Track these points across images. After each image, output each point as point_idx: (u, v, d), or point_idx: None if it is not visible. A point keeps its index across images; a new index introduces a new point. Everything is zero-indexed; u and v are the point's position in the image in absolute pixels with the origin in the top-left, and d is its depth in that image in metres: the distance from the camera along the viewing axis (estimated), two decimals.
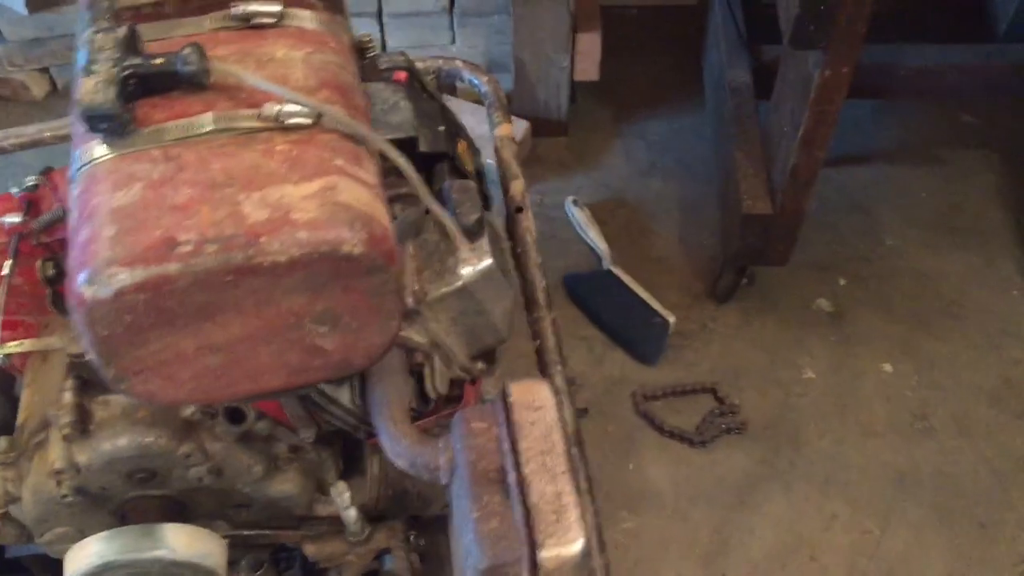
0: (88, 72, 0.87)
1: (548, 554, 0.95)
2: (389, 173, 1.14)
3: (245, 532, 1.31)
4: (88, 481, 1.16)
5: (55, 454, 1.14)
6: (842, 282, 2.32)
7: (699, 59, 2.64)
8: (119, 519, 1.24)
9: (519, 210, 1.45)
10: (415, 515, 1.42)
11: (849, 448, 2.06)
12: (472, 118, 2.22)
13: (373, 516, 1.37)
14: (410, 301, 1.15)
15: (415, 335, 1.18)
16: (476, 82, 1.60)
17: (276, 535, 1.33)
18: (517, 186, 1.47)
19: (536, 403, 1.07)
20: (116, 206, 0.84)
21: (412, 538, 1.42)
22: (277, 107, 0.88)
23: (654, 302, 2.24)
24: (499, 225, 1.28)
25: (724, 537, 1.95)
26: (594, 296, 2.31)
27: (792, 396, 2.14)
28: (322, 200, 0.84)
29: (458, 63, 1.61)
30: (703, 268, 2.35)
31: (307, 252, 0.83)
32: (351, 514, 1.23)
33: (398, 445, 1.11)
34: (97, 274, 0.81)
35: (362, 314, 0.92)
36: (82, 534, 1.24)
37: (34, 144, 1.59)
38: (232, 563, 1.36)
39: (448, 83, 1.64)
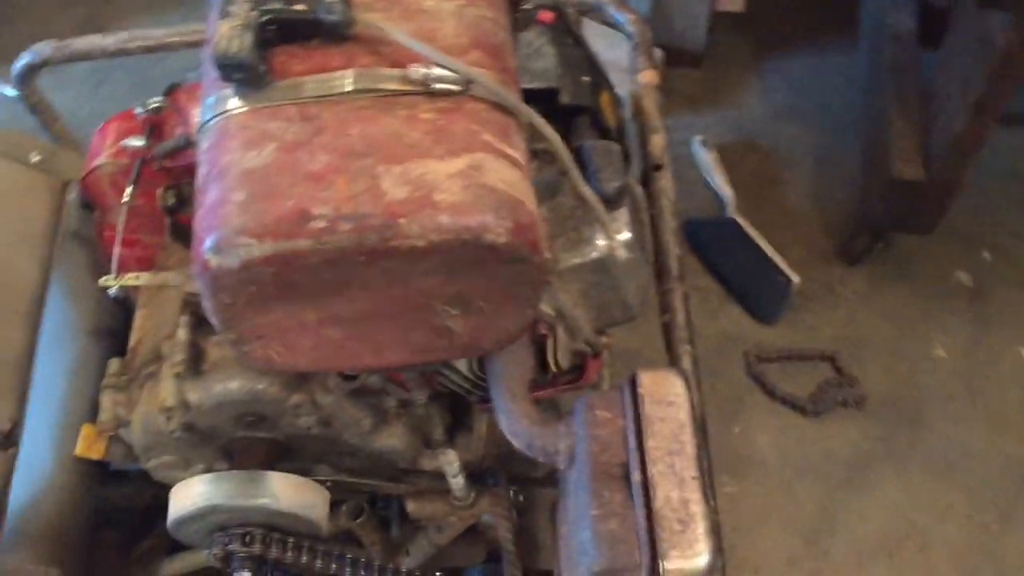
0: (225, 14, 0.80)
1: (671, 566, 0.89)
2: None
3: (348, 479, 1.29)
4: (197, 419, 1.14)
5: (166, 391, 1.11)
6: (986, 256, 2.15)
7: None
8: (225, 455, 1.22)
9: (657, 167, 1.35)
10: (522, 474, 1.38)
11: (975, 435, 1.94)
12: (603, 42, 2.09)
13: (477, 472, 1.33)
14: None
15: (542, 305, 1.11)
16: (621, 20, 1.49)
17: (379, 485, 1.30)
18: (658, 141, 1.37)
19: (668, 397, 1.00)
20: (248, 168, 0.78)
21: (512, 493, 1.37)
22: (424, 70, 0.79)
23: (778, 258, 2.11)
24: (639, 191, 1.18)
25: (830, 514, 1.87)
26: (714, 245, 2.19)
27: (918, 373, 2.02)
28: (467, 180, 0.77)
29: None
30: (835, 226, 2.21)
31: (448, 238, 0.76)
32: (459, 481, 1.19)
33: (516, 424, 1.05)
34: (224, 242, 0.76)
35: (497, 300, 0.85)
36: (188, 464, 1.24)
37: (161, 48, 1.54)
38: (334, 504, 1.34)
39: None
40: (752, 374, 2.04)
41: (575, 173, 0.93)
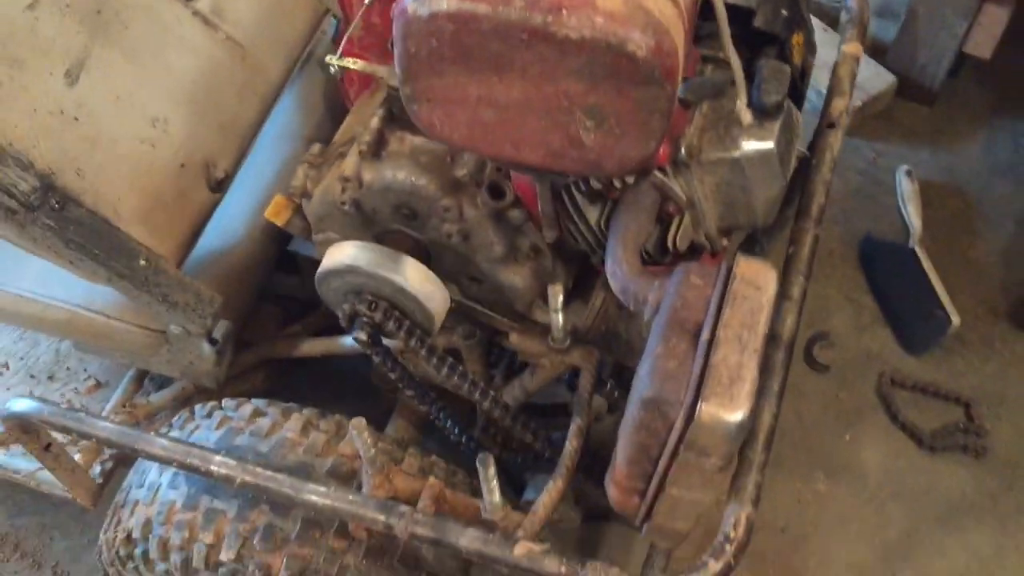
0: None
1: (708, 408, 0.98)
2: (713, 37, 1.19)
3: (469, 303, 1.45)
4: (364, 198, 1.33)
5: (348, 164, 1.32)
6: None
7: None
8: (377, 243, 1.41)
9: (831, 126, 1.43)
10: (619, 360, 1.49)
11: None
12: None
13: (583, 340, 1.45)
14: (683, 152, 1.20)
15: (676, 186, 1.23)
16: None
17: (494, 318, 1.46)
18: (839, 103, 1.45)
19: (757, 283, 1.08)
20: None
21: (610, 386, 1.48)
22: None
23: (945, 296, 2.10)
24: (799, 118, 1.27)
25: (912, 541, 1.86)
26: (885, 267, 2.21)
27: None
28: None
29: None
30: (1014, 288, 2.17)
31: (596, 37, 0.90)
32: (559, 318, 1.32)
33: (619, 268, 1.18)
34: None
35: (627, 122, 0.98)
36: None
37: None
38: (451, 328, 1.51)
39: None
40: (881, 394, 2.06)
41: (732, 51, 1.05)
